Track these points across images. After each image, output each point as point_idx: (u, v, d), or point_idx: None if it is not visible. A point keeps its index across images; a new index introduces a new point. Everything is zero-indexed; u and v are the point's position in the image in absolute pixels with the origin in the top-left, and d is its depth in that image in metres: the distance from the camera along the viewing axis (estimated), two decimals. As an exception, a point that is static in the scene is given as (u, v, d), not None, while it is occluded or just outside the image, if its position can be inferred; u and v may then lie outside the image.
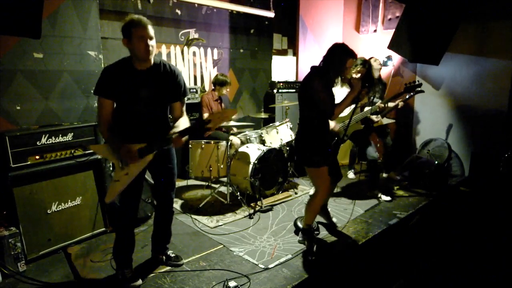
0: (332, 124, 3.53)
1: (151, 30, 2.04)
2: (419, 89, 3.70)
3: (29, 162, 2.60)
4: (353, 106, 3.63)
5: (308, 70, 2.66)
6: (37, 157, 2.64)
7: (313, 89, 2.49)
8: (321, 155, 2.63)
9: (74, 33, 3.34)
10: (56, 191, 2.74)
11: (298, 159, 2.74)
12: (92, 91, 3.53)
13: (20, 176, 2.54)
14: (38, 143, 2.65)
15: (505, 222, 3.71)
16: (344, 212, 3.63)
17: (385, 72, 5.36)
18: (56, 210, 2.74)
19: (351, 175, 4.95)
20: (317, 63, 2.62)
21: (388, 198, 3.95)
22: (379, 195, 4.01)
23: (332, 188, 3.06)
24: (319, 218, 3.29)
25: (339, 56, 2.50)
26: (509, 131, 4.50)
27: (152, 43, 2.05)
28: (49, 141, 2.71)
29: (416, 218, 3.63)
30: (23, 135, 2.58)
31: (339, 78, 2.57)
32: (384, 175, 4.88)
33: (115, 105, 2.17)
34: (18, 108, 3.11)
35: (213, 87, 4.44)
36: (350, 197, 4.04)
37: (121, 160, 2.13)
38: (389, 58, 5.39)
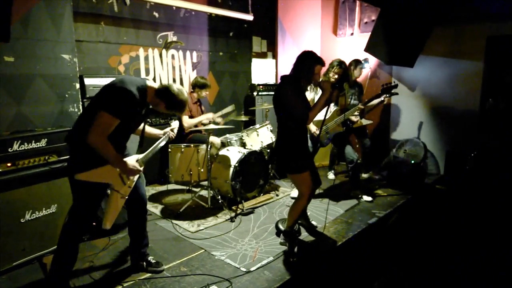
0: (313, 128, 3.61)
1: None
2: (394, 90, 3.83)
3: (0, 170, 2.52)
4: (333, 110, 3.73)
5: (287, 72, 2.74)
6: (9, 164, 2.56)
7: (286, 96, 2.59)
8: (302, 160, 2.70)
9: (47, 36, 3.27)
10: (30, 199, 2.66)
11: (281, 167, 2.82)
12: (66, 96, 3.46)
13: (-9, 185, 2.46)
14: (9, 150, 2.57)
15: (472, 217, 3.87)
16: (325, 212, 3.67)
17: (362, 75, 5.49)
18: (30, 218, 2.66)
19: (331, 176, 5.03)
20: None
21: (370, 199, 4.03)
22: (361, 195, 4.10)
23: (312, 193, 3.12)
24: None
25: (307, 64, 2.61)
26: (479, 131, 4.71)
27: None
28: (22, 147, 2.63)
29: (395, 217, 3.73)
30: (-7, 141, 2.50)
31: (310, 84, 2.68)
32: (364, 175, 4.98)
33: None
34: (-12, 113, 3.02)
35: (192, 89, 4.43)
36: (330, 198, 4.10)
37: (121, 177, 2.27)
38: (365, 60, 5.51)
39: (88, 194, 2.18)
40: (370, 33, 4.89)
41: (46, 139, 2.77)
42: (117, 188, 2.27)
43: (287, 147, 2.69)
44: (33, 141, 2.70)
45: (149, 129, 2.65)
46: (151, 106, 2.32)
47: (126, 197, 2.34)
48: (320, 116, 3.62)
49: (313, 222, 3.34)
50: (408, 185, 4.50)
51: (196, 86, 4.36)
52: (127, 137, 2.38)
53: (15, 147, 2.60)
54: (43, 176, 2.73)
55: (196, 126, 4.23)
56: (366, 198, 4.06)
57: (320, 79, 2.70)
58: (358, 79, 4.55)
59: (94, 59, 4.05)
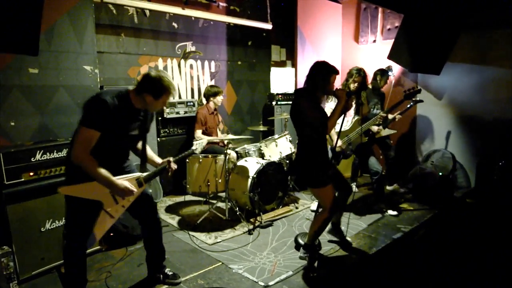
0: (335, 140, 3.58)
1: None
2: (419, 97, 3.78)
3: (23, 179, 2.64)
4: (354, 119, 3.70)
5: None
6: (31, 173, 2.68)
7: (302, 110, 2.61)
8: (324, 173, 2.70)
9: (70, 48, 3.44)
10: (50, 209, 2.77)
11: (302, 180, 2.81)
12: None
13: (14, 194, 2.58)
14: (32, 159, 2.70)
15: (502, 233, 3.71)
16: (346, 226, 3.64)
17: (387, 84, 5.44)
18: (50, 228, 2.76)
19: (353, 188, 4.95)
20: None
21: (395, 212, 3.97)
22: (385, 209, 4.03)
23: (344, 203, 3.12)
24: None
25: (322, 74, 2.63)
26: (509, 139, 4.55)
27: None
28: (44, 157, 2.76)
29: (422, 232, 3.64)
30: (17, 151, 2.63)
31: (326, 94, 2.70)
32: (388, 187, 4.90)
33: None
34: (13, 124, 3.18)
35: (206, 101, 4.52)
36: (352, 211, 4.04)
37: (113, 196, 2.20)
38: (389, 68, 5.47)
39: (77, 209, 2.16)
40: (393, 40, 4.86)
41: (67, 149, 2.88)
42: (106, 207, 2.18)
43: (308, 160, 2.69)
44: (55, 151, 2.82)
45: (150, 154, 2.49)
46: (142, 113, 2.25)
47: (116, 218, 2.24)
48: (343, 128, 3.64)
49: (348, 239, 3.28)
50: (435, 198, 4.39)
51: (209, 95, 4.46)
52: (123, 155, 2.33)
53: (38, 156, 2.72)
54: (63, 185, 2.83)
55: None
56: (390, 212, 3.99)
57: (335, 88, 2.70)
58: (383, 88, 4.53)
59: (114, 70, 4.21)
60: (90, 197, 2.12)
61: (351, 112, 3.70)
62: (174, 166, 2.46)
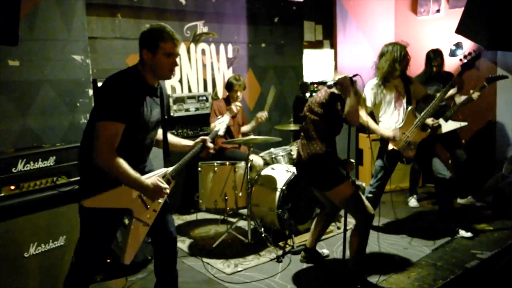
0: (388, 134, 3.56)
1: (179, 47, 2.26)
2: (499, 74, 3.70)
3: (2, 194, 2.75)
4: (408, 109, 3.64)
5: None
6: (12, 187, 2.80)
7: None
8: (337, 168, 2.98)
9: (56, 35, 3.59)
10: (35, 230, 2.86)
11: (318, 185, 3.06)
12: (78, 104, 3.74)
13: (-8, 212, 2.70)
14: (13, 170, 2.80)
15: None
16: (404, 252, 3.60)
17: (454, 64, 5.31)
18: (35, 253, 2.86)
19: (413, 202, 4.88)
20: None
21: (469, 234, 3.88)
22: (457, 229, 3.93)
23: (333, 218, 3.50)
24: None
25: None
26: None
27: (177, 62, 2.28)
28: (27, 167, 2.87)
29: (505, 260, 3.52)
30: (-5, 161, 2.75)
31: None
32: (459, 201, 4.79)
33: None
34: (-9, 128, 3.36)
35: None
36: (411, 233, 4.00)
37: (143, 200, 2.26)
38: (458, 45, 5.33)
39: (99, 226, 2.21)
40: (462, 9, 4.73)
41: (54, 157, 3.00)
42: (138, 214, 2.25)
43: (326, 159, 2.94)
44: (40, 160, 2.93)
45: (174, 140, 2.62)
46: (158, 91, 2.32)
47: (150, 225, 2.33)
48: (395, 124, 3.67)
49: (324, 250, 3.56)
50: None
51: (227, 88, 4.55)
52: (146, 147, 2.37)
53: (20, 167, 2.84)
54: (50, 201, 2.94)
55: (225, 137, 4.34)
56: (463, 233, 3.90)
57: (337, 78, 2.91)
58: (450, 70, 4.45)
59: (109, 59, 4.35)
60: (118, 206, 2.20)
61: (403, 103, 3.65)
62: (211, 144, 2.57)
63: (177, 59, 2.26)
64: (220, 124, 2.80)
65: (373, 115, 3.81)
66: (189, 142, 2.60)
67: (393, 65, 3.53)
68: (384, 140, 3.67)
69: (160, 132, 2.52)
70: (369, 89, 3.70)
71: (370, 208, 2.98)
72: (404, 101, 3.68)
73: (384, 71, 3.57)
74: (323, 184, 2.99)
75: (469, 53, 3.83)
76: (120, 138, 2.10)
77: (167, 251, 2.53)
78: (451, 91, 3.90)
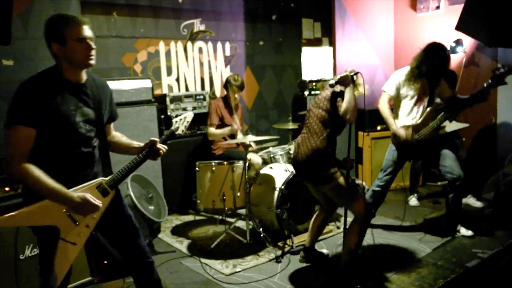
0: (399, 131, 3.57)
1: (89, 29, 2.07)
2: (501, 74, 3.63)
3: (-3, 195, 2.76)
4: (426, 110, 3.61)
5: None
6: (7, 188, 2.80)
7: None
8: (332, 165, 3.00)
9: (50, 34, 3.57)
10: (30, 232, 2.86)
11: (314, 180, 3.10)
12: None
13: (-14, 213, 2.69)
14: (8, 171, 2.81)
15: None
16: (405, 251, 3.60)
17: (454, 61, 5.30)
18: (30, 255, 2.86)
19: (413, 201, 4.88)
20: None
21: (470, 233, 3.88)
22: (458, 227, 3.93)
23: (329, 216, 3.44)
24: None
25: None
26: None
27: (93, 45, 2.07)
28: (22, 168, 2.86)
29: (505, 259, 3.52)
30: (-10, 162, 2.75)
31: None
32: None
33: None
34: (-15, 129, 3.34)
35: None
36: (412, 231, 4.00)
37: (70, 215, 2.04)
38: (458, 42, 5.33)
39: (42, 244, 2.12)
40: (462, 6, 4.72)
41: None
42: (64, 234, 2.02)
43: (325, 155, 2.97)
44: (35, 161, 2.93)
45: (123, 141, 2.40)
46: (84, 88, 2.10)
47: (81, 244, 2.11)
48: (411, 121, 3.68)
49: (323, 250, 3.55)
50: (525, 214, 4.23)
51: (225, 88, 4.53)
52: (83, 153, 2.13)
53: (14, 168, 2.83)
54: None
55: (225, 139, 4.34)
56: (464, 232, 3.90)
57: (333, 80, 2.94)
58: (451, 67, 4.42)
59: (104, 58, 4.34)
60: (40, 223, 2.01)
61: (424, 102, 3.68)
62: (161, 146, 2.26)
63: (93, 43, 2.04)
64: (179, 122, 2.37)
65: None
66: (139, 144, 2.34)
67: (420, 65, 3.52)
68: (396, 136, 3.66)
69: (116, 134, 2.39)
70: (395, 78, 3.71)
71: (368, 204, 3.04)
72: (426, 100, 3.66)
73: (412, 67, 3.57)
74: (319, 178, 3.00)
75: (503, 66, 3.58)
76: (30, 144, 1.93)
77: (146, 277, 2.39)
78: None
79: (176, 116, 2.41)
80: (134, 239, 2.31)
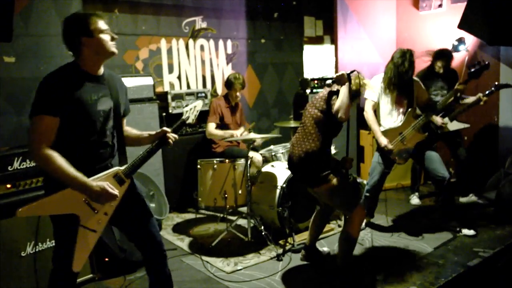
0: (383, 141, 3.58)
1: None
2: (505, 83, 3.70)
3: (-1, 192, 2.77)
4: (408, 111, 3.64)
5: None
6: (9, 185, 2.80)
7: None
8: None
9: (52, 31, 3.59)
10: (32, 228, 2.86)
11: (307, 182, 3.10)
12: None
13: (-12, 210, 2.69)
14: (9, 168, 2.81)
15: None
16: (406, 250, 3.60)
17: (457, 60, 5.30)
18: (32, 252, 2.87)
19: (415, 200, 4.88)
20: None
21: (471, 232, 3.88)
22: (458, 227, 3.94)
23: (328, 216, 3.45)
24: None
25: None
26: None
27: (114, 35, 2.24)
28: (23, 165, 2.86)
29: (507, 258, 3.53)
30: (-10, 159, 2.75)
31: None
32: (461, 199, 4.80)
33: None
34: (-15, 125, 3.35)
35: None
36: (412, 231, 3.99)
37: (89, 204, 2.12)
38: (460, 41, 5.33)
39: (57, 228, 2.19)
40: (465, 4, 4.72)
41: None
42: (84, 221, 2.11)
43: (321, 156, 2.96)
44: (36, 158, 2.93)
45: (135, 133, 2.51)
46: (104, 80, 2.22)
47: (100, 231, 2.19)
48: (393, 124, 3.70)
49: (324, 248, 3.56)
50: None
51: (226, 86, 4.53)
52: (103, 142, 2.24)
53: (16, 165, 2.84)
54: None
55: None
56: (465, 231, 3.90)
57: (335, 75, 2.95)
58: (453, 65, 4.44)
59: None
60: (60, 212, 2.10)
61: (404, 104, 3.70)
62: (172, 135, 2.34)
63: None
64: (189, 111, 2.43)
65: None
66: (150, 132, 2.43)
67: (396, 71, 3.56)
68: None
69: (127, 128, 2.48)
70: (376, 83, 3.73)
71: (363, 212, 3.04)
72: (406, 102, 3.68)
73: (388, 76, 3.60)
74: (312, 181, 3.02)
75: (478, 62, 3.80)
76: (54, 134, 2.04)
77: (158, 263, 2.48)
78: (451, 99, 3.92)
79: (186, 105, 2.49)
80: (149, 227, 2.39)
